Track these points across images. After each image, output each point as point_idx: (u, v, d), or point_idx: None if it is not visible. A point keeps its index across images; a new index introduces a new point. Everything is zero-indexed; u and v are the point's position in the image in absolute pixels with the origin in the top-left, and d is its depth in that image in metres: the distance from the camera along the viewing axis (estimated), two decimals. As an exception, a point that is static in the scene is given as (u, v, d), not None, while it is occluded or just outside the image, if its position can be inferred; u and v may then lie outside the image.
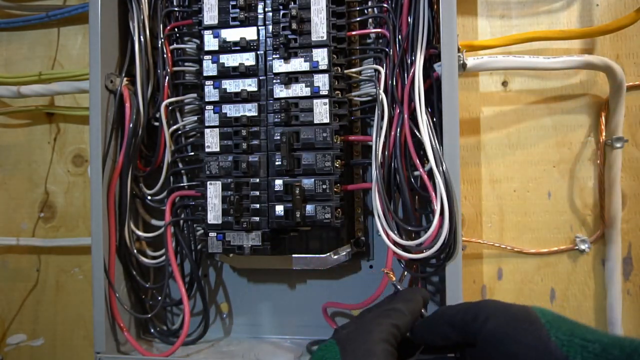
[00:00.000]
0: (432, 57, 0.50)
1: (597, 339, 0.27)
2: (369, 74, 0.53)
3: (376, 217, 0.49)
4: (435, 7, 0.50)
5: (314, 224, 0.50)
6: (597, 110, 0.57)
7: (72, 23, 0.69)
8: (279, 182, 0.51)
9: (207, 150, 0.53)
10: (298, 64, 0.51)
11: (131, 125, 0.55)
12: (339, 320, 0.57)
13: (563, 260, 0.58)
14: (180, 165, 0.57)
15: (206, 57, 0.53)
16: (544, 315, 0.31)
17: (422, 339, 0.37)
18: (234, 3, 0.52)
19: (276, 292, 0.60)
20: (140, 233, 0.58)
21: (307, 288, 0.59)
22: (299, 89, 0.51)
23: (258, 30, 0.52)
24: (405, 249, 0.48)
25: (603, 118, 0.56)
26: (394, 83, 0.51)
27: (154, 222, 0.60)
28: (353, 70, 0.53)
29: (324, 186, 0.50)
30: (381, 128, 0.50)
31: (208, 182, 0.53)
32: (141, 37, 0.56)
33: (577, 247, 0.56)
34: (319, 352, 0.34)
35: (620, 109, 0.53)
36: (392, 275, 0.46)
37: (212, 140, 0.53)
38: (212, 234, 0.53)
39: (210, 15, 0.53)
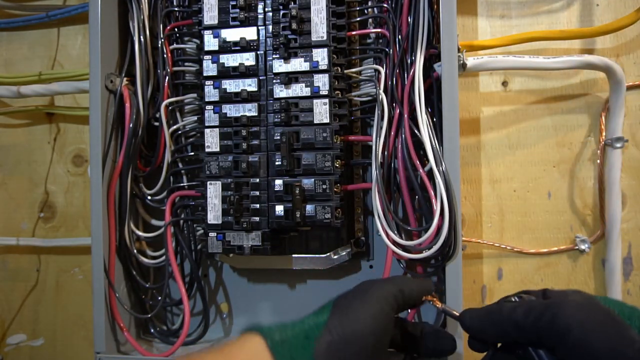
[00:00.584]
0: (432, 57, 0.50)
1: None
2: (369, 74, 0.53)
3: (376, 217, 0.49)
4: (435, 7, 0.50)
5: (314, 224, 0.50)
6: (597, 110, 0.57)
7: (72, 23, 0.69)
8: (279, 182, 0.51)
9: (207, 150, 0.53)
10: (298, 64, 0.51)
11: (131, 125, 0.55)
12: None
13: (563, 260, 0.58)
14: (180, 165, 0.57)
15: (206, 57, 0.53)
16: (621, 309, 0.28)
17: (472, 329, 0.32)
18: (234, 3, 0.52)
19: (276, 292, 0.59)
20: (140, 233, 0.58)
21: (307, 288, 0.59)
22: (299, 89, 0.51)
23: (258, 30, 0.52)
24: (405, 249, 0.48)
25: (603, 118, 0.56)
26: (394, 83, 0.51)
27: (154, 222, 0.60)
28: (353, 70, 0.53)
29: (324, 186, 0.50)
30: (381, 128, 0.50)
31: (208, 182, 0.53)
32: (141, 37, 0.56)
33: (577, 247, 0.56)
34: (314, 312, 0.34)
35: (620, 109, 0.53)
36: (437, 302, 0.37)
37: (212, 140, 0.53)
38: (212, 234, 0.53)
39: (210, 15, 0.53)
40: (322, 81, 0.51)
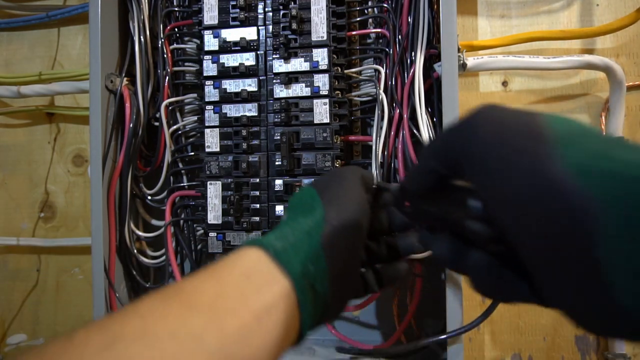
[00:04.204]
0: (432, 57, 0.50)
1: (638, 158, 0.19)
2: (369, 74, 0.53)
3: (376, 217, 0.49)
4: (435, 7, 0.50)
5: (314, 224, 0.50)
6: (597, 110, 0.57)
7: (72, 23, 0.69)
8: (279, 182, 0.51)
9: (207, 150, 0.53)
10: (298, 64, 0.51)
11: (131, 125, 0.55)
12: (338, 323, 0.57)
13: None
14: (180, 165, 0.57)
15: (206, 57, 0.53)
16: (559, 127, 0.21)
17: (409, 189, 0.30)
18: (234, 3, 0.52)
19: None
20: (140, 233, 0.58)
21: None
22: (299, 89, 0.51)
23: (258, 30, 0.52)
24: (405, 249, 0.48)
25: (603, 118, 0.56)
26: (394, 83, 0.51)
27: (154, 222, 0.60)
28: (353, 70, 0.53)
29: (324, 186, 0.50)
30: (381, 128, 0.50)
31: (208, 182, 0.53)
32: (141, 37, 0.56)
33: (577, 247, 0.56)
34: (295, 194, 0.34)
35: (620, 109, 0.53)
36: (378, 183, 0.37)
37: (212, 140, 0.53)
38: (212, 234, 0.53)
39: (210, 15, 0.53)
40: (322, 81, 0.51)
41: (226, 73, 0.53)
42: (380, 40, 0.53)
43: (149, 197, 0.59)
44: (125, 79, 0.56)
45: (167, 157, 0.57)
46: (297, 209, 0.32)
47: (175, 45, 0.57)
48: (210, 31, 0.53)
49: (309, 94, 0.51)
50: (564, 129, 0.21)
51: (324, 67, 0.50)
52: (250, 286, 0.26)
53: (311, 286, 0.28)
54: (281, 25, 0.51)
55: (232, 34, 0.53)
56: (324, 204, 0.31)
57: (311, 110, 0.51)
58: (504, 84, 0.59)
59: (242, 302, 0.25)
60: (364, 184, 0.34)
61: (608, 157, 0.19)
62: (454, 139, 0.25)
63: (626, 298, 0.18)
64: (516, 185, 0.21)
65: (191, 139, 0.57)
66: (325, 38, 0.50)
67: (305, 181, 0.50)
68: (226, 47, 0.53)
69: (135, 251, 0.58)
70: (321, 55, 0.51)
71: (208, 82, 0.53)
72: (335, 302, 0.31)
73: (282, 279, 0.27)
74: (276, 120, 0.52)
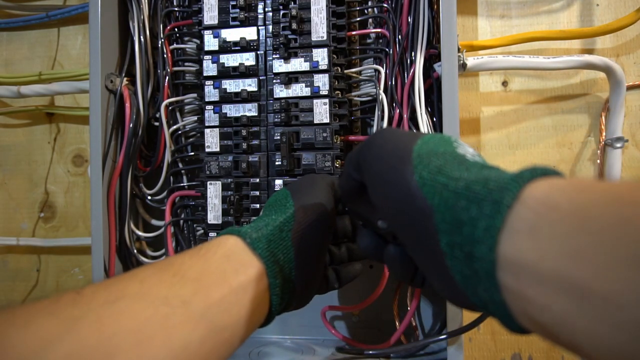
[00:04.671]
0: (432, 57, 0.50)
1: (463, 177, 0.24)
2: (369, 74, 0.53)
3: (376, 217, 0.49)
4: (435, 7, 0.50)
5: (314, 224, 0.50)
6: (597, 110, 0.57)
7: (72, 23, 0.69)
8: (279, 182, 0.51)
9: (207, 150, 0.53)
10: (298, 64, 0.51)
11: (131, 125, 0.55)
12: (338, 323, 0.57)
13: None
14: (180, 165, 0.57)
15: (206, 57, 0.53)
16: (419, 149, 0.27)
17: (341, 194, 0.37)
18: (234, 3, 0.52)
19: (276, 292, 0.59)
20: (140, 233, 0.58)
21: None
22: (299, 89, 0.51)
23: (258, 30, 0.52)
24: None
25: (603, 118, 0.56)
26: (394, 83, 0.51)
27: (154, 222, 0.60)
28: (353, 70, 0.53)
29: (324, 186, 0.50)
30: (381, 128, 0.50)
31: (208, 182, 0.53)
32: (141, 37, 0.56)
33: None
34: (272, 196, 0.39)
35: (620, 109, 0.53)
36: None
37: (212, 140, 0.53)
38: (212, 234, 0.53)
39: (210, 15, 0.53)
40: (322, 81, 0.51)
41: (226, 73, 0.53)
42: (380, 40, 0.53)
43: (149, 197, 0.59)
44: (125, 79, 0.56)
45: (167, 157, 0.57)
46: (272, 207, 0.37)
47: (175, 45, 0.57)
48: (210, 31, 0.53)
49: (309, 94, 0.51)
50: (423, 150, 0.27)
51: (324, 67, 0.50)
52: (230, 267, 0.31)
53: (280, 272, 0.33)
54: (281, 25, 0.51)
55: (232, 34, 0.53)
56: (295, 204, 0.36)
57: (311, 110, 0.51)
58: (504, 84, 0.59)
59: (223, 279, 0.30)
60: (332, 190, 0.39)
61: (442, 172, 0.25)
62: (358, 152, 0.31)
63: (460, 279, 0.23)
64: (387, 193, 0.27)
65: (191, 139, 0.57)
66: (325, 38, 0.50)
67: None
68: (226, 47, 0.53)
69: (135, 251, 0.58)
70: (321, 55, 0.51)
71: (208, 82, 0.53)
72: (301, 291, 0.35)
73: (256, 263, 0.32)
74: (276, 120, 0.52)
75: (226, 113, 0.53)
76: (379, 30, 0.53)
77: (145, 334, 0.24)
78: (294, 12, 0.50)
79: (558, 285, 0.18)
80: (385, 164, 0.28)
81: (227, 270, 0.30)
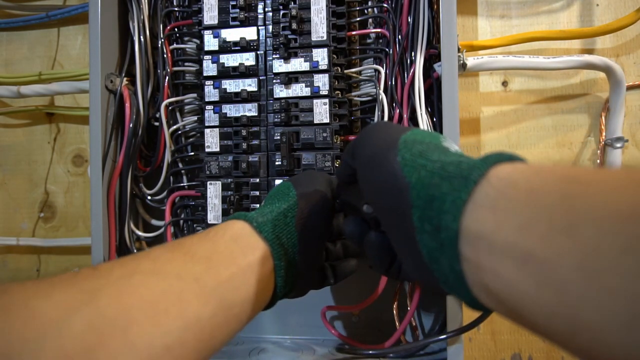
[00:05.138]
0: (432, 57, 0.50)
1: (440, 159, 0.26)
2: (369, 74, 0.53)
3: (376, 217, 0.49)
4: (435, 7, 0.50)
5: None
6: (597, 110, 0.57)
7: (72, 23, 0.69)
8: (279, 182, 0.51)
9: (207, 150, 0.53)
10: (298, 64, 0.51)
11: (131, 125, 0.55)
12: (338, 323, 0.57)
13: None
14: (180, 165, 0.57)
15: (206, 57, 0.53)
16: (407, 137, 0.30)
17: (337, 182, 0.40)
18: (234, 3, 0.52)
19: (276, 292, 0.59)
20: (140, 233, 0.58)
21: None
22: (299, 89, 0.51)
23: (258, 30, 0.52)
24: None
25: (603, 118, 0.56)
26: (394, 83, 0.51)
27: (154, 222, 0.60)
28: (353, 70, 0.53)
29: (324, 186, 0.50)
30: (381, 128, 0.50)
31: (208, 182, 0.53)
32: (141, 37, 0.56)
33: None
34: (274, 188, 0.41)
35: (620, 109, 0.53)
36: None
37: (212, 140, 0.53)
38: (212, 234, 0.52)
39: (210, 15, 0.53)
40: (322, 81, 0.51)
41: (226, 73, 0.53)
42: (380, 40, 0.53)
43: (149, 197, 0.59)
44: (125, 79, 0.56)
45: (167, 157, 0.57)
46: (275, 197, 0.39)
47: (175, 45, 0.57)
48: (210, 31, 0.53)
49: (309, 94, 0.51)
50: (409, 138, 0.29)
51: (324, 67, 0.50)
52: (237, 248, 0.32)
53: (285, 255, 0.34)
54: (281, 25, 0.51)
55: (232, 34, 0.53)
56: (297, 194, 0.38)
57: (311, 110, 0.51)
58: (504, 84, 0.59)
59: (231, 259, 0.31)
60: (330, 184, 0.41)
61: (423, 156, 0.27)
62: (354, 140, 0.34)
63: (426, 253, 0.25)
64: (373, 174, 0.30)
65: (191, 139, 0.57)
66: (325, 38, 0.50)
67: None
68: (226, 47, 0.53)
69: (135, 251, 0.58)
70: (321, 55, 0.51)
71: (208, 82, 0.53)
72: (303, 276, 0.37)
73: (262, 246, 0.33)
74: (276, 120, 0.52)
75: (226, 113, 0.53)
76: (379, 30, 0.53)
77: (160, 307, 0.25)
78: (294, 12, 0.50)
79: (507, 253, 0.20)
80: (374, 148, 0.30)
81: (235, 251, 0.32)
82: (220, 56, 0.53)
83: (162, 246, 0.31)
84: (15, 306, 0.23)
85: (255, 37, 0.52)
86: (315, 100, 0.51)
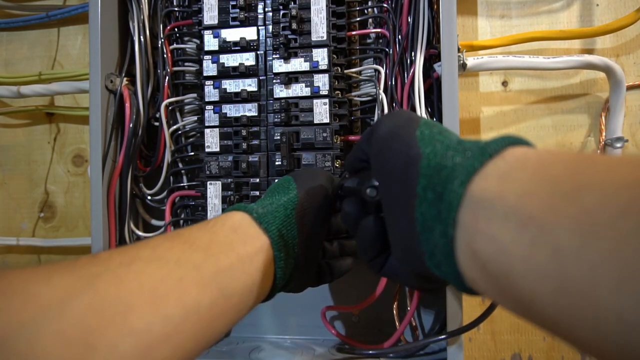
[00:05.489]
0: (432, 57, 0.50)
1: (458, 139, 0.27)
2: (369, 74, 0.53)
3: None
4: (435, 7, 0.50)
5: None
6: (597, 110, 0.57)
7: (72, 23, 0.69)
8: (279, 182, 0.51)
9: (207, 150, 0.53)
10: (298, 64, 0.51)
11: (131, 125, 0.55)
12: (338, 323, 0.57)
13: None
14: (180, 165, 0.57)
15: (206, 57, 0.53)
16: (427, 120, 0.31)
17: (345, 169, 0.41)
18: (234, 3, 0.52)
19: (276, 292, 0.59)
20: (140, 233, 0.58)
21: (307, 288, 0.59)
22: (299, 89, 0.51)
23: (258, 30, 0.52)
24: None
25: (603, 118, 0.56)
26: (394, 83, 0.51)
27: (154, 222, 0.60)
28: (353, 70, 0.53)
29: (324, 186, 0.50)
30: (381, 128, 0.50)
31: (208, 182, 0.53)
32: (141, 37, 0.56)
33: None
34: (275, 182, 0.41)
35: (620, 109, 0.53)
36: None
37: (212, 140, 0.53)
38: (212, 234, 0.52)
39: (210, 15, 0.53)
40: (322, 81, 0.51)
41: (226, 73, 0.53)
42: (380, 40, 0.53)
43: (149, 197, 0.59)
44: (125, 79, 0.56)
45: (167, 157, 0.57)
46: (276, 190, 0.39)
47: (175, 45, 0.57)
48: (210, 31, 0.53)
49: (309, 94, 0.51)
50: (429, 121, 0.30)
51: (324, 67, 0.50)
52: (237, 238, 0.32)
53: (285, 247, 0.34)
54: (281, 25, 0.51)
55: (232, 34, 0.53)
56: (297, 188, 0.38)
57: (311, 110, 0.51)
58: (504, 84, 0.59)
59: (230, 249, 0.31)
60: (330, 181, 0.41)
61: (442, 133, 0.28)
62: (373, 125, 0.34)
63: (421, 221, 0.25)
64: (389, 146, 0.30)
65: (191, 139, 0.57)
66: (325, 38, 0.50)
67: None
68: (226, 47, 0.53)
69: (135, 251, 0.58)
70: (321, 55, 0.51)
71: (208, 82, 0.53)
72: (302, 269, 0.37)
73: (262, 237, 0.34)
74: (276, 120, 0.52)
75: (226, 113, 0.53)
76: (379, 30, 0.53)
77: (160, 293, 0.25)
78: (294, 12, 0.50)
79: (507, 218, 0.20)
80: (395, 124, 0.31)
81: (235, 241, 0.32)
82: (220, 56, 0.53)
83: (161, 235, 0.31)
84: (14, 289, 0.23)
85: (255, 37, 0.52)
86: (315, 100, 0.51)
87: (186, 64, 0.57)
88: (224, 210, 0.52)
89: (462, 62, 0.49)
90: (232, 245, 0.31)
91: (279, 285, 0.35)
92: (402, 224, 0.27)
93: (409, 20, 0.51)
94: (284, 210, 0.36)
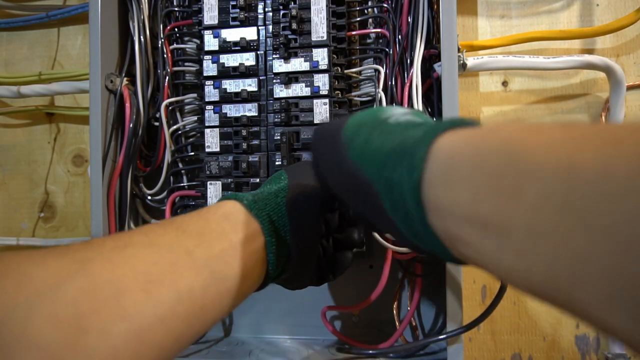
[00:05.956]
0: (432, 57, 0.50)
1: (388, 141, 0.27)
2: (369, 74, 0.53)
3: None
4: (435, 7, 0.50)
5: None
6: (597, 110, 0.57)
7: (72, 23, 0.69)
8: (279, 182, 0.51)
9: (207, 150, 0.53)
10: (298, 64, 0.51)
11: (131, 125, 0.55)
12: (338, 323, 0.57)
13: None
14: (180, 165, 0.57)
15: (206, 57, 0.53)
16: (346, 131, 0.31)
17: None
18: (234, 3, 0.52)
19: (276, 292, 0.59)
20: (140, 233, 0.58)
21: (307, 288, 0.59)
22: (299, 89, 0.51)
23: (258, 30, 0.52)
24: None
25: (603, 118, 0.56)
26: (394, 83, 0.51)
27: (154, 222, 0.60)
28: (353, 70, 0.53)
29: (324, 186, 0.50)
30: (381, 128, 0.50)
31: (208, 182, 0.53)
32: (141, 37, 0.56)
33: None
34: (269, 177, 0.41)
35: (620, 109, 0.53)
36: None
37: (212, 140, 0.53)
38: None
39: (210, 15, 0.53)
40: (322, 81, 0.51)
41: (226, 73, 0.53)
42: (380, 40, 0.53)
43: (149, 197, 0.59)
44: (125, 79, 0.56)
45: (167, 157, 0.57)
46: (268, 182, 0.40)
47: (175, 45, 0.57)
48: (210, 31, 0.53)
49: (309, 94, 0.51)
50: (349, 131, 0.31)
51: (324, 67, 0.50)
52: (229, 225, 0.33)
53: (276, 233, 0.35)
54: (281, 25, 0.51)
55: (232, 34, 0.53)
56: (289, 178, 0.39)
57: (311, 110, 0.51)
58: (504, 84, 0.59)
59: (222, 235, 0.31)
60: None
61: (369, 143, 0.28)
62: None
63: (409, 235, 0.25)
64: (328, 166, 0.31)
65: (191, 139, 0.57)
66: (325, 38, 0.50)
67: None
68: (226, 47, 0.53)
69: (135, 251, 0.58)
70: (321, 55, 0.51)
71: (208, 82, 0.53)
72: (297, 259, 0.36)
73: (253, 223, 0.34)
74: (276, 120, 0.52)
75: (226, 113, 0.53)
76: (379, 30, 0.53)
77: (153, 277, 0.26)
78: (294, 12, 0.50)
79: (469, 222, 0.20)
80: (325, 156, 0.32)
81: (226, 228, 0.32)
82: (221, 56, 0.53)
83: (153, 223, 0.32)
84: (8, 271, 0.23)
85: (255, 37, 0.52)
86: (315, 100, 0.51)
87: (186, 64, 0.57)
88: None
89: (462, 62, 0.49)
90: (224, 232, 0.32)
91: (272, 272, 0.35)
92: (395, 234, 0.27)
93: (409, 20, 0.51)
94: (275, 197, 0.36)
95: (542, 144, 0.17)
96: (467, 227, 0.20)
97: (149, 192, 0.59)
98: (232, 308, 0.31)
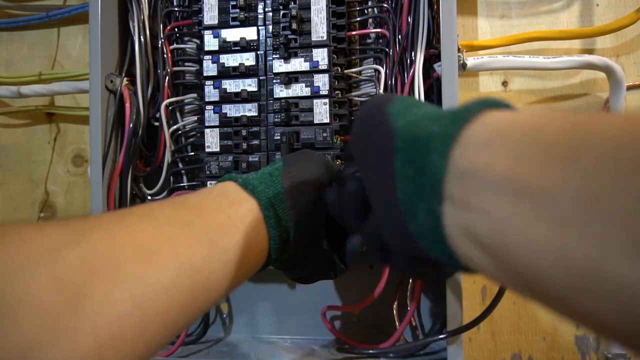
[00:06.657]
0: (432, 57, 0.50)
1: (435, 109, 0.27)
2: (369, 74, 0.53)
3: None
4: (435, 7, 0.50)
5: (314, 224, 0.50)
6: (597, 110, 0.57)
7: (72, 23, 0.69)
8: (279, 182, 0.51)
9: (207, 150, 0.53)
10: (298, 64, 0.51)
11: (131, 125, 0.55)
12: (338, 323, 0.57)
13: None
14: (180, 165, 0.57)
15: (206, 57, 0.53)
16: (394, 106, 0.29)
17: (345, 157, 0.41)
18: (234, 3, 0.52)
19: (276, 292, 0.59)
20: (140, 233, 0.58)
21: (307, 288, 0.59)
22: (299, 89, 0.51)
23: (258, 30, 0.52)
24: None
25: (603, 118, 0.56)
26: (394, 83, 0.51)
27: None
28: (353, 70, 0.53)
29: (324, 186, 0.50)
30: (381, 128, 0.50)
31: (208, 182, 0.53)
32: (141, 37, 0.56)
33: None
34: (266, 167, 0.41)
35: (620, 109, 0.53)
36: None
37: (212, 140, 0.53)
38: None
39: (210, 15, 0.53)
40: (322, 81, 0.51)
41: (226, 73, 0.53)
42: (380, 40, 0.53)
43: (149, 197, 0.59)
44: (125, 79, 0.56)
45: (167, 157, 0.57)
46: (263, 169, 0.39)
47: (175, 45, 0.57)
48: (210, 31, 0.53)
49: (309, 94, 0.51)
50: (404, 97, 0.31)
51: (324, 67, 0.50)
52: (225, 201, 0.33)
53: (273, 208, 0.34)
54: (281, 25, 0.51)
55: (232, 34, 0.53)
56: (284, 160, 0.39)
57: (311, 110, 0.51)
58: (504, 84, 0.59)
59: (220, 210, 0.32)
60: (325, 163, 0.40)
61: (416, 106, 0.27)
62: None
63: (403, 199, 0.24)
64: (364, 127, 0.29)
65: (191, 139, 0.57)
66: (325, 38, 0.50)
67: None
68: (226, 47, 0.53)
69: (135, 251, 0.58)
70: (321, 55, 0.51)
71: (208, 82, 0.53)
72: (299, 244, 0.36)
73: (250, 199, 0.34)
74: (276, 120, 0.52)
75: (226, 113, 0.53)
76: (379, 30, 0.53)
77: (153, 248, 0.26)
78: (294, 12, 0.50)
79: (499, 188, 0.18)
80: (370, 105, 0.30)
81: (223, 204, 0.33)
82: (220, 56, 0.53)
83: (150, 202, 0.32)
84: (8, 234, 0.23)
85: (255, 37, 0.52)
86: (315, 100, 0.51)
87: (186, 64, 0.57)
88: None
89: (462, 62, 0.49)
90: (221, 207, 0.32)
91: (273, 247, 0.35)
92: (386, 207, 0.26)
93: (409, 20, 0.51)
94: (269, 176, 0.36)
95: (599, 122, 0.16)
96: (496, 193, 0.18)
97: (149, 192, 0.59)
98: (237, 283, 0.31)
